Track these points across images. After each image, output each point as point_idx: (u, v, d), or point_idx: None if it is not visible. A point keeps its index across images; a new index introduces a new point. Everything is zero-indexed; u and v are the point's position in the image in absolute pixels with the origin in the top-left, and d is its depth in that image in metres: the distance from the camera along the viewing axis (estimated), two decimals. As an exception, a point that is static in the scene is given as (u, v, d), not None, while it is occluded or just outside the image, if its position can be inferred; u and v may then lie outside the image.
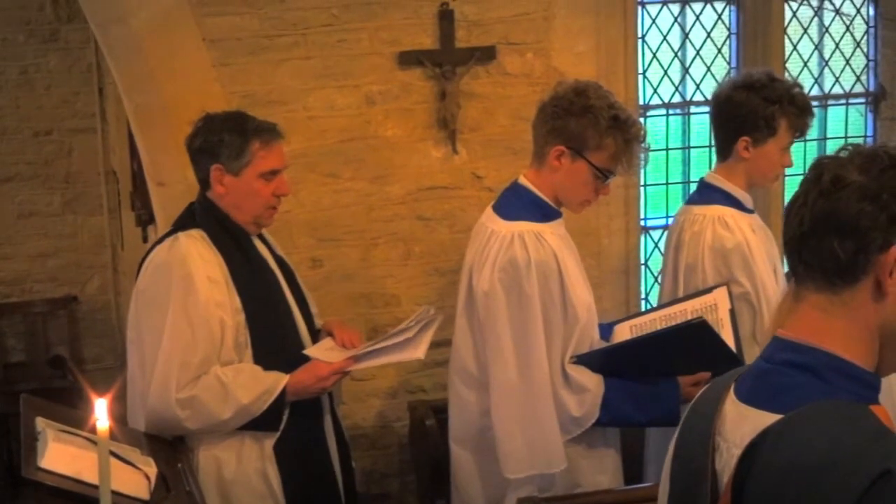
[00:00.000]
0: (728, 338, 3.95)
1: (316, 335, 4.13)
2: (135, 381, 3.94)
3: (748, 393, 2.05)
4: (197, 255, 3.87)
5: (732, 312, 4.05)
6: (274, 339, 3.95)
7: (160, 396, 3.81)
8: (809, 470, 1.83)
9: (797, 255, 2.01)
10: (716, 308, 4.04)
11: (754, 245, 4.22)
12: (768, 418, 1.95)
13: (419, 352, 3.97)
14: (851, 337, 1.97)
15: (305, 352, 3.98)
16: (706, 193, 4.36)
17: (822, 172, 1.98)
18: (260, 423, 3.89)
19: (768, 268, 4.22)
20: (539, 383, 3.82)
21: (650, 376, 3.93)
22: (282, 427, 3.93)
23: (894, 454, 1.82)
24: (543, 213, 3.91)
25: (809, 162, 5.40)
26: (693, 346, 3.85)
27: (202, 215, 3.96)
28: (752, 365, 2.10)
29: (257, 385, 3.85)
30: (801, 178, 2.07)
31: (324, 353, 3.99)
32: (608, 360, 3.91)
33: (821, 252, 1.96)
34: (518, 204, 3.93)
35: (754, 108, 4.19)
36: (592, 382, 3.87)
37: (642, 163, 4.00)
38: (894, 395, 3.38)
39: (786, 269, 4.10)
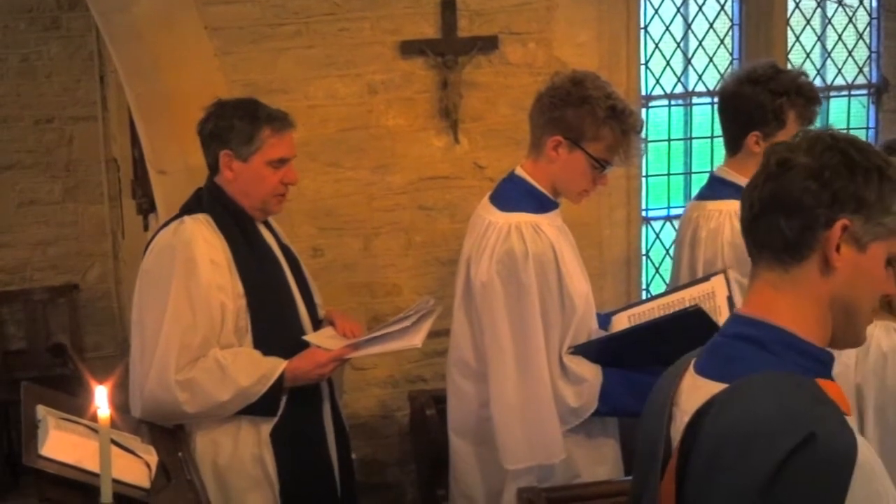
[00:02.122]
0: None
1: (318, 324, 4.13)
2: (135, 365, 3.95)
3: (703, 365, 2.16)
4: (201, 238, 3.88)
5: (730, 299, 4.05)
6: (274, 325, 3.96)
7: (159, 378, 3.82)
8: (745, 434, 1.92)
9: (749, 236, 2.13)
10: (713, 296, 4.04)
11: None
12: (717, 387, 2.05)
13: (417, 339, 3.98)
14: (801, 312, 2.06)
15: (305, 338, 3.99)
16: (718, 188, 4.33)
17: (770, 157, 2.09)
18: (257, 408, 3.90)
19: None
20: (537, 374, 3.81)
21: (648, 365, 3.93)
22: (279, 413, 3.93)
23: (825, 420, 1.90)
24: (540, 204, 3.90)
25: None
26: (690, 333, 3.81)
27: (209, 200, 3.97)
28: (711, 340, 2.20)
29: (256, 369, 3.86)
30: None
31: (324, 340, 4.00)
32: (606, 350, 3.91)
33: (770, 231, 2.07)
34: (515, 195, 3.92)
35: (762, 103, 4.16)
36: (590, 373, 3.87)
37: (640, 153, 3.99)
38: (886, 378, 3.41)
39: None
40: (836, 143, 2.04)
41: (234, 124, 3.91)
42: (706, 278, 4.13)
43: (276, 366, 3.88)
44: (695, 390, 2.12)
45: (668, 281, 4.93)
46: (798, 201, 2.02)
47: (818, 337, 2.07)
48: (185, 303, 3.82)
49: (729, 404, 1.98)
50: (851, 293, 2.05)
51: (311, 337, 4.01)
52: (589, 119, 3.79)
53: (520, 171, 3.95)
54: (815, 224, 2.02)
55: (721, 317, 3.96)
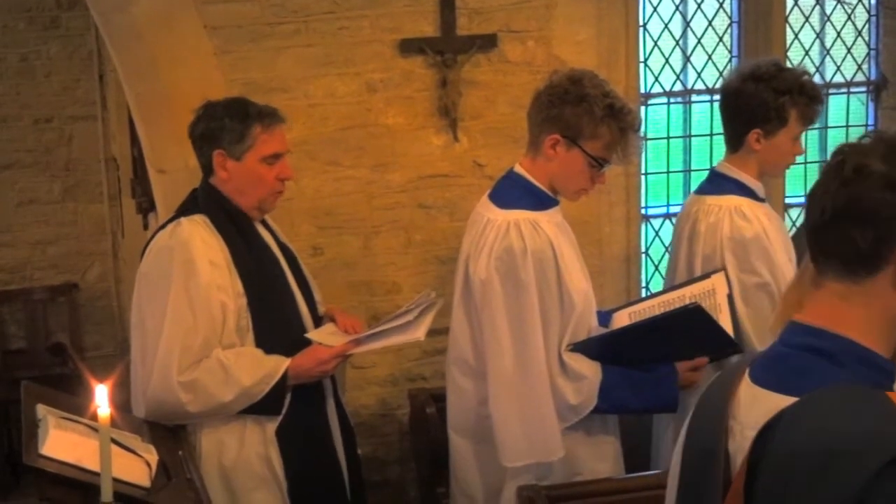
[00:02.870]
0: (726, 323, 3.96)
1: (319, 321, 4.14)
2: (136, 368, 3.95)
3: (763, 376, 2.06)
4: (199, 239, 3.88)
5: (730, 297, 4.06)
6: (275, 324, 3.96)
7: (162, 380, 3.82)
8: (822, 451, 1.84)
9: (818, 243, 2.01)
10: (714, 293, 4.05)
11: (772, 235, 4.19)
12: (783, 401, 1.96)
13: (419, 333, 3.99)
14: (870, 324, 1.98)
15: (307, 335, 4.00)
16: (719, 183, 4.33)
17: (845, 161, 1.98)
18: (261, 407, 3.90)
19: (786, 257, 4.20)
20: (536, 371, 3.82)
21: (648, 362, 3.94)
22: (284, 411, 3.93)
23: None
24: (539, 201, 3.90)
25: (809, 150, 5.40)
26: (689, 330, 3.85)
27: (205, 201, 3.97)
28: (769, 349, 2.11)
29: (259, 368, 3.87)
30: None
31: (325, 337, 4.01)
32: (605, 348, 3.91)
33: (841, 241, 1.96)
34: (514, 192, 3.92)
35: (764, 100, 4.16)
36: (590, 370, 3.87)
37: (638, 152, 3.99)
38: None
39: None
40: None
41: (225, 124, 3.91)
42: (706, 276, 4.13)
43: (278, 364, 3.88)
44: (756, 402, 2.03)
45: (664, 275, 4.92)
46: (875, 212, 1.92)
47: (884, 349, 1.99)
48: (185, 304, 3.82)
49: (802, 420, 1.90)
50: None
51: (313, 334, 4.01)
52: (587, 118, 3.79)
53: (518, 169, 3.95)
54: (890, 236, 1.93)
55: (721, 314, 3.97)
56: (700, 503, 2.08)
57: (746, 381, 2.08)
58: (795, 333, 2.04)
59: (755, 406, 2.03)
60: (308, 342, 3.97)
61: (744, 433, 2.02)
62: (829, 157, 2.06)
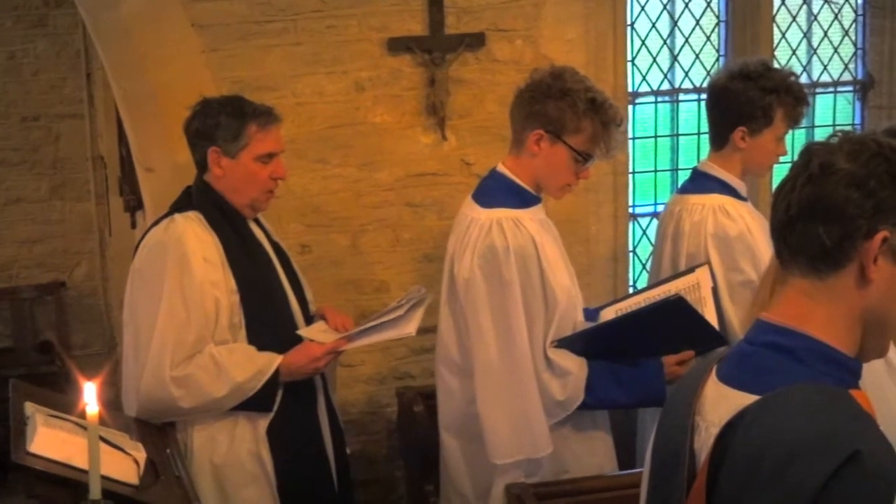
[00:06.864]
0: (711, 316, 3.98)
1: (310, 320, 4.15)
2: (128, 363, 3.96)
3: (729, 374, 2.08)
4: (193, 235, 3.89)
5: (715, 290, 4.07)
6: (268, 320, 3.97)
7: (154, 375, 3.83)
8: (784, 450, 1.86)
9: (783, 240, 2.04)
10: (699, 287, 4.07)
11: (756, 233, 4.22)
12: (747, 399, 1.98)
13: (410, 327, 4.00)
14: (834, 322, 2.00)
15: (299, 332, 4.01)
16: (702, 182, 4.35)
17: (811, 158, 2.00)
18: (253, 404, 3.91)
19: (769, 255, 4.21)
20: (521, 368, 3.83)
21: (634, 357, 3.95)
22: (275, 408, 3.94)
23: (867, 436, 1.85)
24: (521, 198, 3.92)
25: (797, 150, 5.42)
26: (673, 323, 3.87)
27: (199, 198, 3.98)
28: (735, 347, 2.13)
29: (251, 364, 3.87)
30: (790, 165, 2.09)
31: (317, 334, 4.02)
32: (590, 343, 3.93)
33: (807, 237, 1.98)
34: (496, 191, 3.95)
35: (751, 99, 4.19)
36: (575, 365, 3.89)
37: (621, 147, 4.02)
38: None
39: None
40: (882, 150, 1.97)
41: (221, 121, 3.92)
42: (691, 270, 4.16)
43: (271, 361, 3.89)
44: (721, 400, 2.04)
45: (649, 274, 4.94)
46: (840, 209, 1.94)
47: (848, 347, 2.01)
48: (179, 300, 3.82)
49: (762, 418, 1.92)
50: (886, 306, 1.99)
51: (304, 331, 4.02)
52: (570, 112, 3.83)
53: (501, 168, 3.98)
54: (855, 234, 1.95)
55: (706, 307, 3.99)
56: (667, 500, 2.10)
57: (713, 378, 2.10)
58: (760, 331, 2.06)
59: (720, 403, 2.04)
60: (300, 339, 3.98)
61: (708, 430, 2.04)
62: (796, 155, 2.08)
